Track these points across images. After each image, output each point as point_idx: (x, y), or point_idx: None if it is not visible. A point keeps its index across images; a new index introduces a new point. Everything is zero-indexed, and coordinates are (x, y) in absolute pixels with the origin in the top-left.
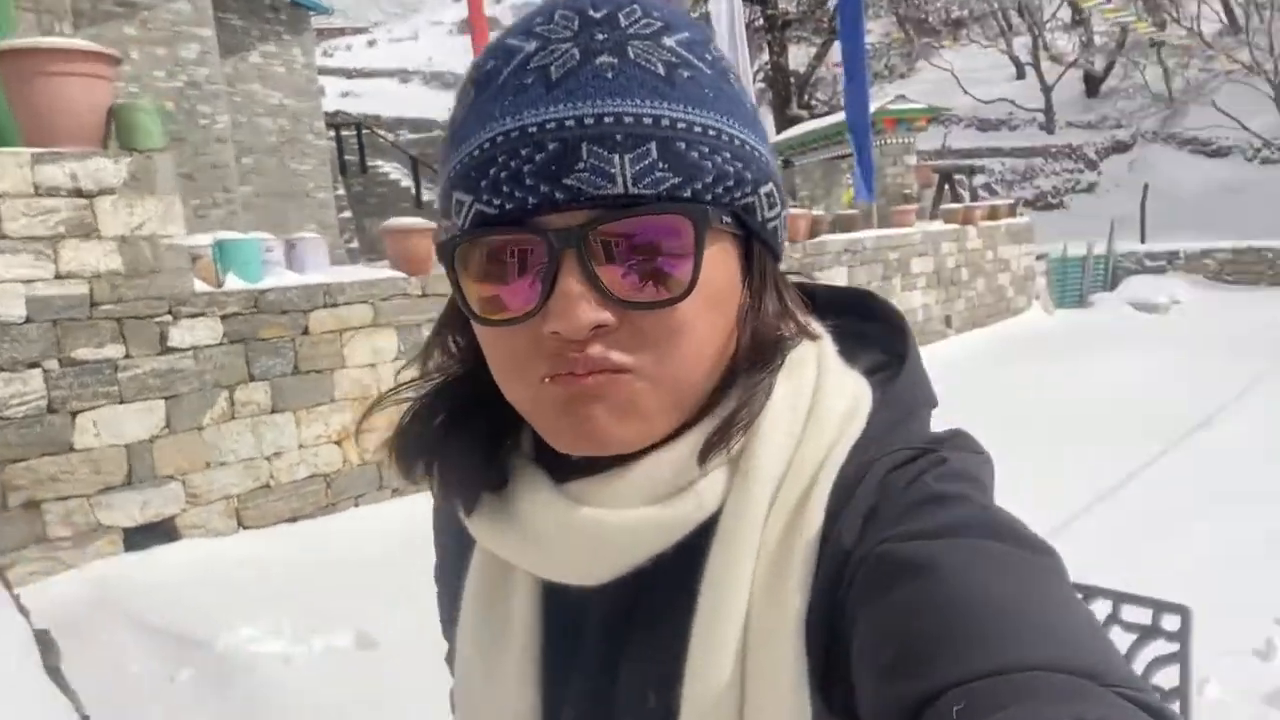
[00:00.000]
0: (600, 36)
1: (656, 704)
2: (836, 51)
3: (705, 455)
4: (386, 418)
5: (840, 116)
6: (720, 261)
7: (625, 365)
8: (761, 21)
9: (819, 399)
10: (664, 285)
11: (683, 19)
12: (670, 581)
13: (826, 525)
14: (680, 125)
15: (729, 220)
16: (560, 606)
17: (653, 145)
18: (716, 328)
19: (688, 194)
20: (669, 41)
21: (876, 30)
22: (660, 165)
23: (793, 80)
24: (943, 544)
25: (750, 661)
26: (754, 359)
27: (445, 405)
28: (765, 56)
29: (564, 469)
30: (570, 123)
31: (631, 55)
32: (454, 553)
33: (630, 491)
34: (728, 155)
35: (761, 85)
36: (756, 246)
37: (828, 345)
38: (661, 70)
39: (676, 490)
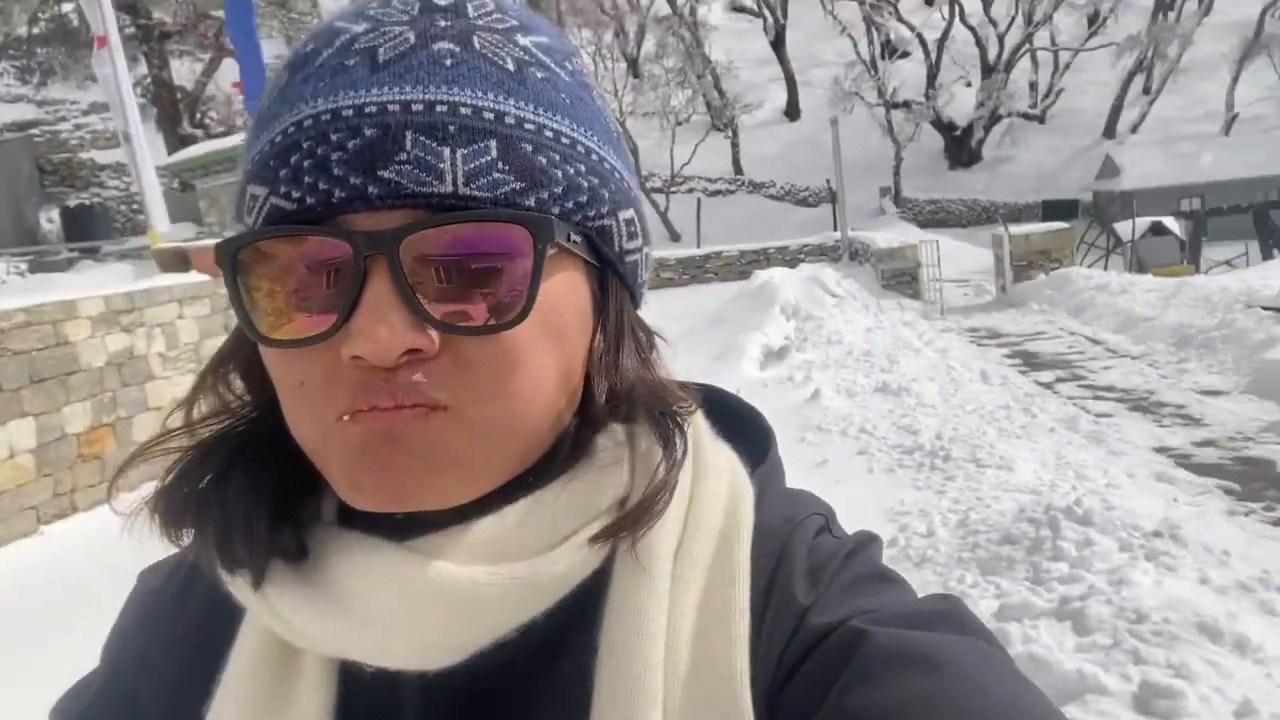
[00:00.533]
0: (442, 23)
1: None
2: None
3: (601, 539)
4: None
5: (242, 138)
6: (567, 288)
7: (442, 401)
8: (134, 30)
9: (700, 455)
10: (495, 307)
11: (544, 25)
12: (538, 659)
13: (761, 580)
14: (529, 125)
15: (579, 240)
16: (364, 705)
17: (492, 143)
18: (557, 366)
19: (530, 202)
20: (523, 40)
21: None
22: (500, 165)
23: (180, 97)
24: (941, 639)
25: None
26: (616, 417)
27: (222, 458)
28: (144, 69)
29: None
30: (394, 107)
31: (477, 45)
32: (182, 659)
33: (484, 549)
34: (582, 168)
35: (143, 100)
36: (613, 281)
37: (699, 415)
38: (511, 66)
39: (545, 549)
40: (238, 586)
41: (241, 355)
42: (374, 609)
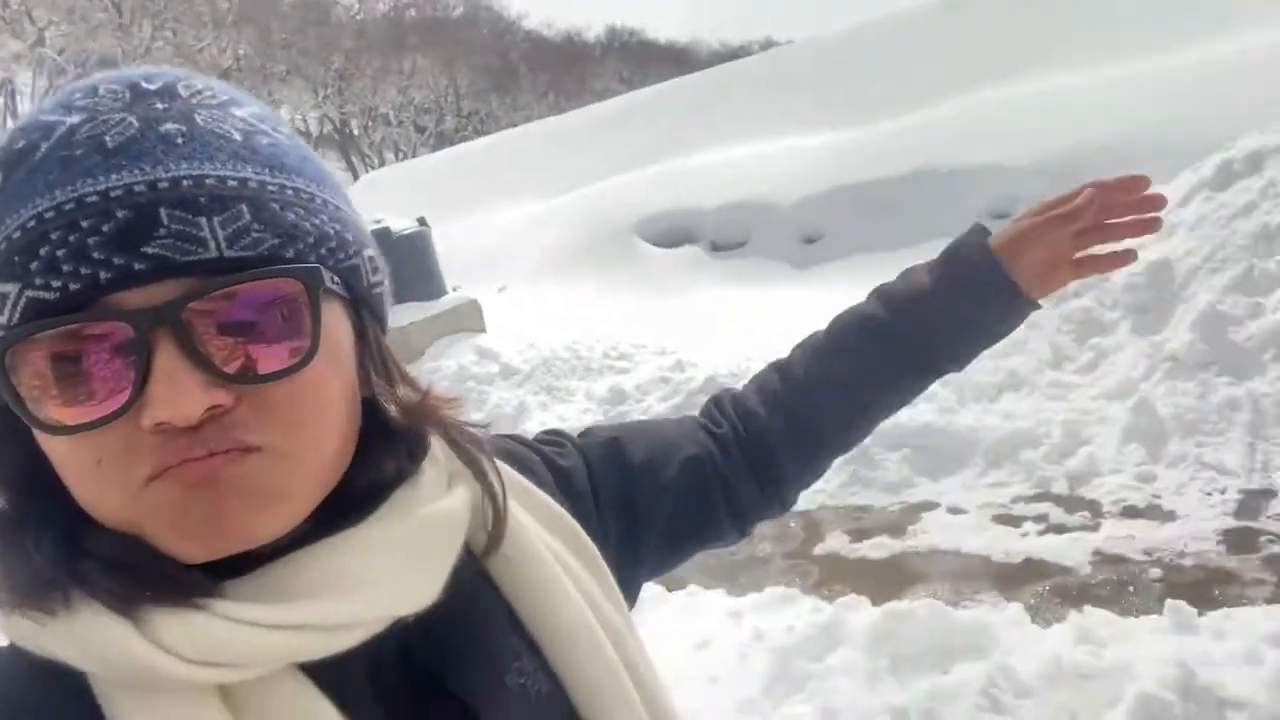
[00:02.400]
0: (160, 106)
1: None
2: None
3: (488, 552)
4: None
5: None
6: (336, 324)
7: (253, 443)
8: None
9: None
10: (282, 352)
11: (247, 96)
12: (462, 606)
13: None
14: (271, 187)
15: (338, 281)
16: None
17: (244, 206)
18: (344, 393)
19: (290, 254)
20: (239, 112)
21: None
22: (256, 226)
23: None
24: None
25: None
26: (395, 434)
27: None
28: None
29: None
30: (141, 188)
31: (200, 122)
32: None
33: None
34: (325, 218)
35: None
36: (366, 314)
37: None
38: (238, 136)
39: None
40: (121, 641)
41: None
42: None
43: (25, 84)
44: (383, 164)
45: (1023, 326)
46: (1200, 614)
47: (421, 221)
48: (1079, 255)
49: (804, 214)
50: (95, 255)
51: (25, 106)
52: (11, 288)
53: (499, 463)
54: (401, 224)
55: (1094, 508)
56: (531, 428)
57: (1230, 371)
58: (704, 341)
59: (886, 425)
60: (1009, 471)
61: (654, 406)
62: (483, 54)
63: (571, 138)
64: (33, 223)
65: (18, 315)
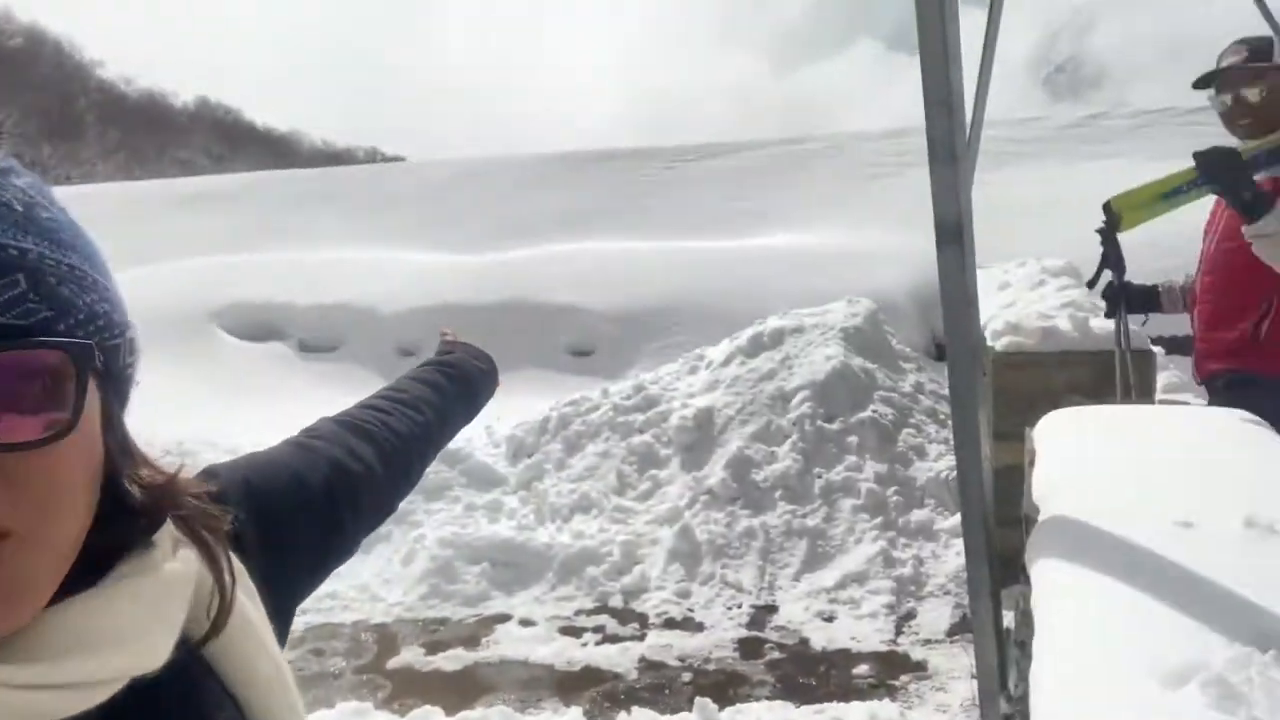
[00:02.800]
0: None
1: None
2: None
3: (203, 645)
4: None
5: None
6: (92, 403)
7: (3, 528)
8: None
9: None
10: (38, 425)
11: (21, 167)
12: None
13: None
14: (49, 261)
15: (101, 360)
16: None
17: (20, 276)
18: (91, 473)
19: (61, 328)
20: (18, 182)
21: None
22: (31, 297)
23: None
24: None
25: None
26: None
27: None
28: None
29: None
30: None
31: None
32: None
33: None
34: (95, 296)
35: None
36: (112, 393)
37: None
38: (19, 207)
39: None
40: None
41: None
42: None
43: None
44: None
45: (595, 455)
46: (720, 709)
47: None
48: None
49: (402, 326)
50: None
51: None
52: None
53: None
54: None
55: (642, 619)
56: None
57: (751, 505)
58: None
59: (470, 539)
60: (575, 586)
61: None
62: (40, 94)
63: (149, 208)
64: None
65: None
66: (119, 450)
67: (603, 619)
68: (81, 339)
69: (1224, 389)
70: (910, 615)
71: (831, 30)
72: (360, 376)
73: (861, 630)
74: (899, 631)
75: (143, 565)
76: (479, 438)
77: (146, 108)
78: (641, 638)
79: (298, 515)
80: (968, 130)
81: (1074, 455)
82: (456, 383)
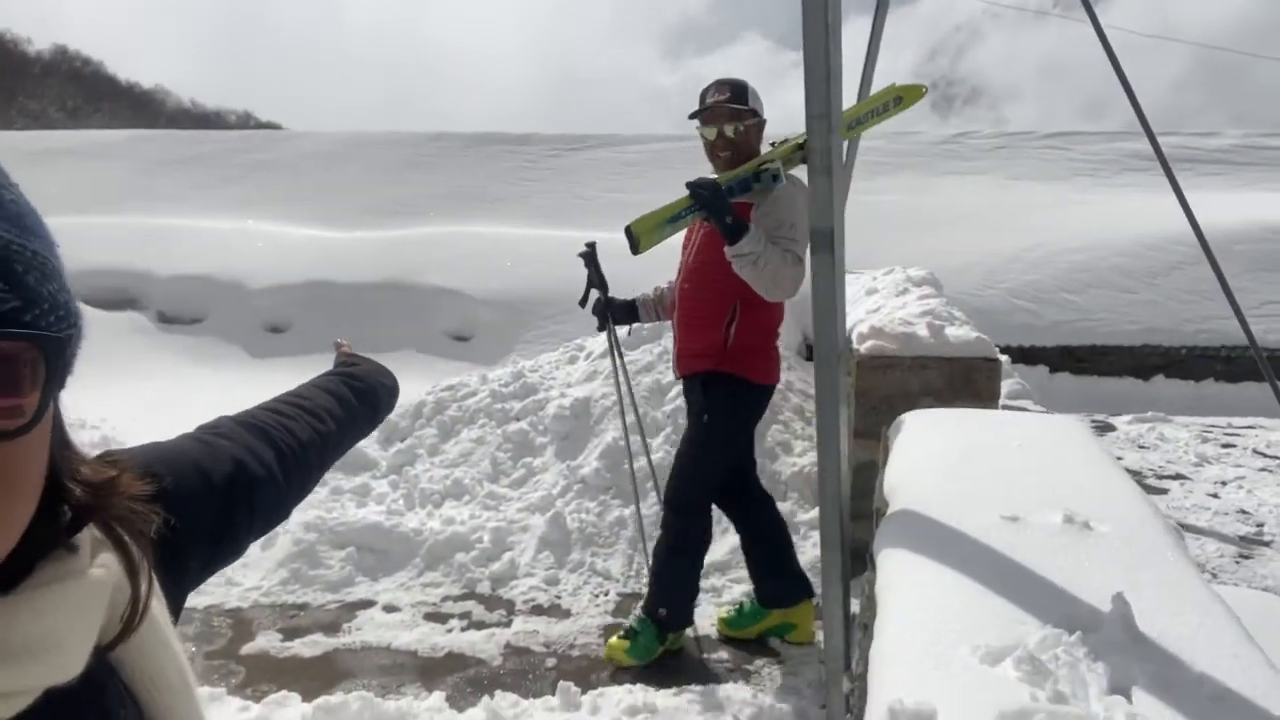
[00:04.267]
0: None
1: None
2: None
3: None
4: None
5: None
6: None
7: None
8: None
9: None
10: (8, 412)
11: None
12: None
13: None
14: (14, 247)
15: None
16: None
17: None
18: (43, 467)
19: (28, 318)
20: None
21: None
22: (1, 287)
23: None
24: None
25: None
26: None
27: None
28: None
29: None
30: None
31: None
32: None
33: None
34: (55, 286)
35: None
36: (57, 387)
37: None
38: None
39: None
40: None
41: None
42: None
43: None
44: None
45: (471, 441)
46: (583, 693)
47: None
48: None
49: (271, 302)
50: None
51: None
52: None
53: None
54: None
55: (509, 606)
56: None
57: (622, 495)
58: (139, 419)
59: (335, 524)
60: (443, 572)
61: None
62: None
63: None
64: None
65: None
66: (59, 445)
67: (469, 605)
68: (46, 329)
69: (700, 387)
70: None
71: (725, 25)
72: (225, 351)
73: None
74: None
75: (66, 570)
76: None
77: None
78: (508, 624)
79: (196, 510)
80: (845, 144)
81: (922, 454)
82: (360, 395)
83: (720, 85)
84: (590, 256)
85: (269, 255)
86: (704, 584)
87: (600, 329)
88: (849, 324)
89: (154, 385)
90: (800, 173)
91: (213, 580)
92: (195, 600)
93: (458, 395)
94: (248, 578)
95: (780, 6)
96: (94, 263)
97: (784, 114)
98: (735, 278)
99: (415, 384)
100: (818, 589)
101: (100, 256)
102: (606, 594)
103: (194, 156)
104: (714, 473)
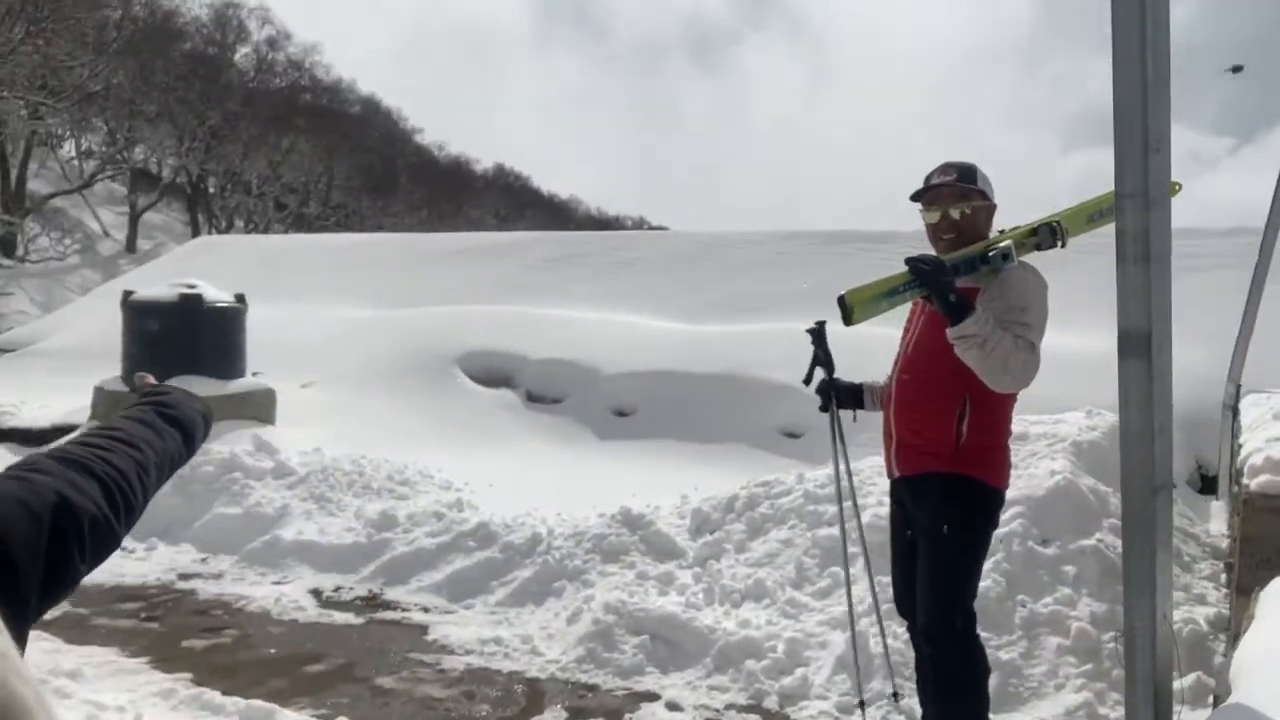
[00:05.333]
0: None
1: None
2: None
3: None
4: None
5: None
6: None
7: None
8: None
9: None
10: None
11: None
12: None
13: None
14: None
15: None
16: None
17: None
18: None
19: None
20: None
21: None
22: None
23: None
24: None
25: None
26: None
27: None
28: None
29: None
30: None
31: None
32: None
33: None
34: None
35: None
36: None
37: None
38: None
39: None
40: None
41: None
42: None
43: None
44: (230, 229)
45: (779, 541)
46: None
47: (239, 298)
48: None
49: (618, 387)
50: None
51: None
52: None
53: None
54: (216, 295)
55: None
56: (287, 534)
57: None
58: (496, 485)
59: (635, 609)
60: (731, 677)
61: (420, 539)
62: (366, 154)
63: (425, 256)
64: None
65: None
66: None
67: (753, 719)
68: None
69: (933, 491)
70: None
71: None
72: (576, 431)
73: None
74: None
75: None
76: (666, 506)
77: (452, 171)
78: None
79: (26, 545)
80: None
81: None
82: (172, 421)
83: (947, 167)
84: (818, 334)
85: (624, 344)
86: None
87: (823, 409)
88: (1244, 452)
89: (513, 456)
90: (1033, 259)
91: (520, 647)
92: (502, 664)
93: (771, 492)
94: (551, 650)
95: (1209, 90)
96: (479, 345)
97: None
98: (962, 369)
99: (736, 476)
100: None
101: (485, 339)
102: None
103: (576, 254)
104: (969, 591)
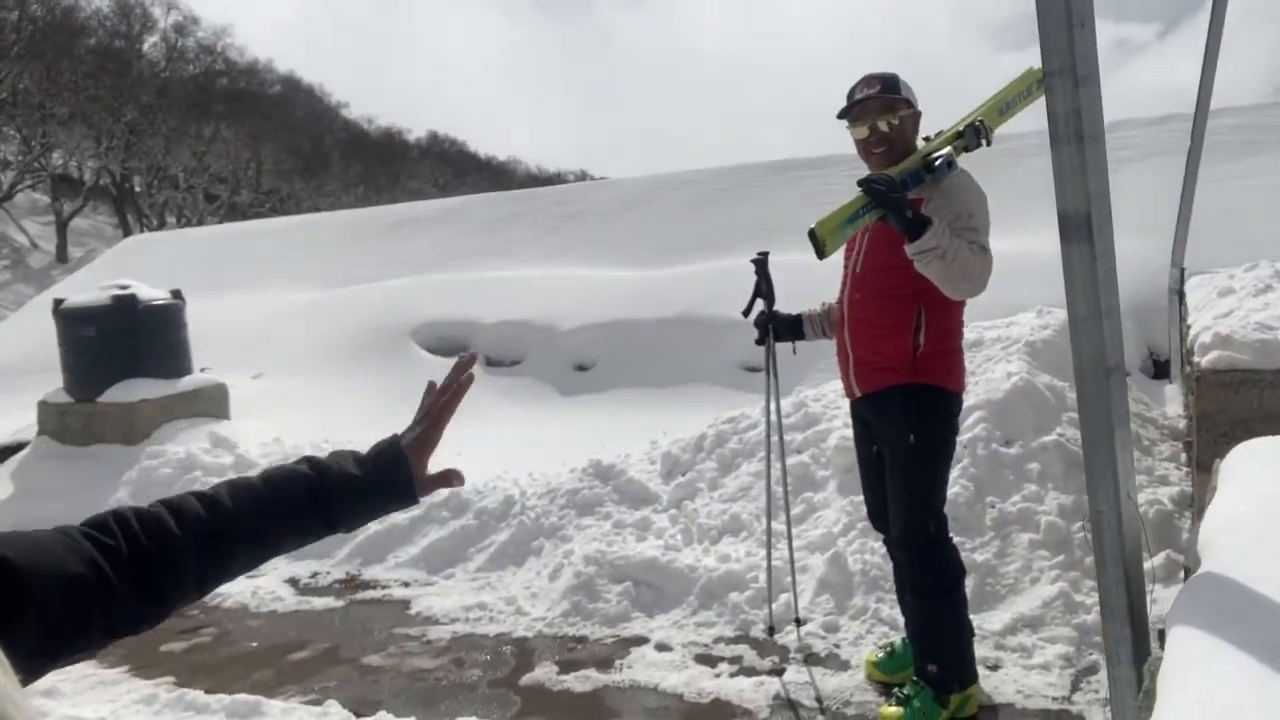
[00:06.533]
0: None
1: None
2: None
3: None
4: None
5: None
6: None
7: None
8: None
9: None
10: None
11: None
12: None
13: None
14: None
15: None
16: None
17: None
18: None
19: None
20: None
21: None
22: None
23: None
24: None
25: None
26: None
27: None
28: None
29: None
30: None
31: None
32: None
33: None
34: None
35: None
36: None
37: None
38: None
39: None
40: None
41: None
42: None
43: None
44: (162, 227)
45: (750, 475)
46: None
47: (175, 294)
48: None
49: (577, 342)
50: None
51: None
52: None
53: None
54: (151, 294)
55: (783, 653)
56: None
57: None
58: (459, 455)
59: (615, 558)
60: (717, 612)
61: (391, 516)
62: (293, 134)
63: (364, 232)
64: None
65: None
66: None
67: (741, 649)
68: None
69: (895, 404)
70: (1091, 670)
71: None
72: (538, 390)
73: (1031, 683)
74: (1075, 688)
75: None
76: (636, 454)
77: (384, 144)
78: (780, 672)
79: (49, 601)
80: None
81: (1255, 498)
82: (310, 493)
83: (869, 80)
84: (761, 265)
85: (577, 298)
86: (1010, 642)
87: (759, 342)
88: (1193, 333)
89: (478, 423)
90: (963, 161)
91: (504, 609)
92: (488, 628)
93: (739, 427)
94: (535, 608)
95: None
96: (431, 314)
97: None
98: (916, 280)
99: (702, 416)
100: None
101: (437, 309)
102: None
103: (517, 213)
104: (939, 496)
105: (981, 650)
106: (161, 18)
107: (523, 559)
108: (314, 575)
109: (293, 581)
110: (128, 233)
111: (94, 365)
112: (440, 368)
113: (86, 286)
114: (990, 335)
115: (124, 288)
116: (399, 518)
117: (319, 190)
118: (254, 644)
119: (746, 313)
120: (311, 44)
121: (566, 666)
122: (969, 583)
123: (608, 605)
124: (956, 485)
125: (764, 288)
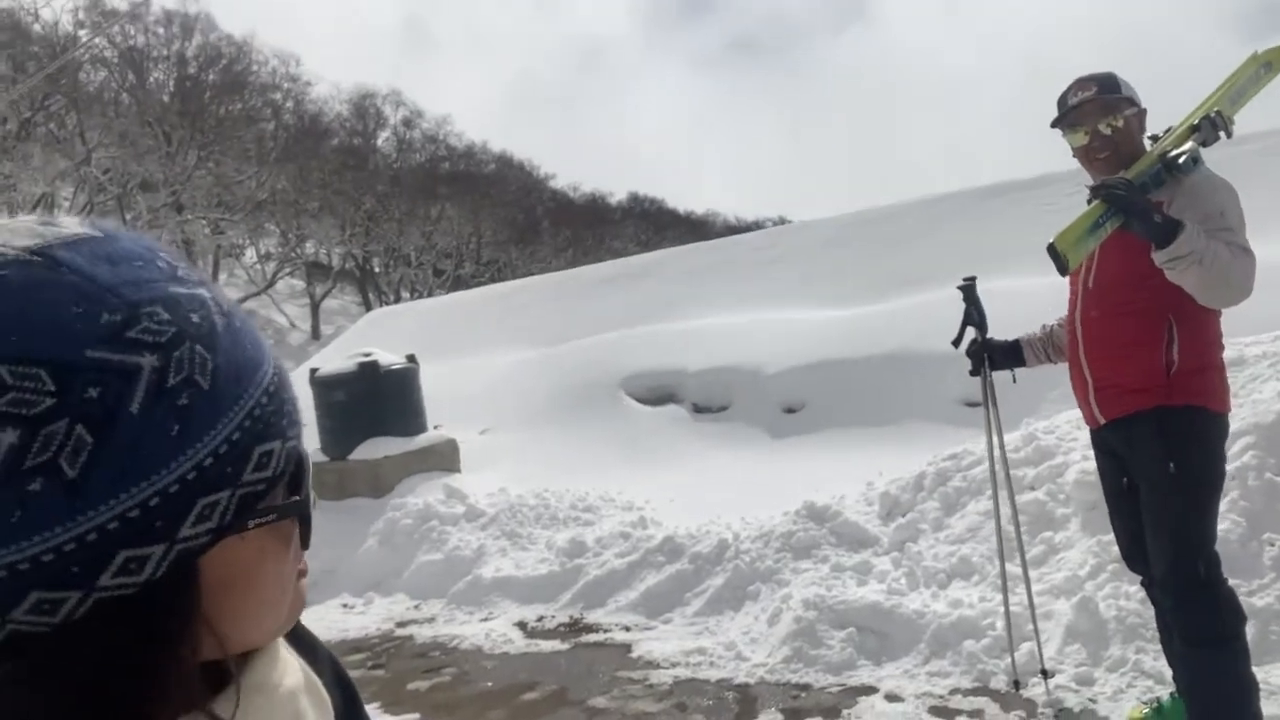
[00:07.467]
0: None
1: None
2: None
3: None
4: None
5: None
6: None
7: None
8: None
9: None
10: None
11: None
12: None
13: None
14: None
15: None
16: None
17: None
18: None
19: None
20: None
21: None
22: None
23: None
24: None
25: None
26: None
27: None
28: None
29: None
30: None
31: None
32: None
33: None
34: None
35: None
36: None
37: None
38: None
39: None
40: None
41: None
42: None
43: (65, 198)
44: (398, 301)
45: (979, 514)
46: None
47: (410, 359)
48: None
49: (784, 385)
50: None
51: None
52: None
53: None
54: (390, 359)
55: (1030, 708)
56: (487, 573)
57: None
58: (672, 501)
59: (835, 602)
60: (951, 661)
61: (611, 561)
62: (508, 208)
63: (573, 290)
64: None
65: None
66: None
67: (981, 702)
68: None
69: (1149, 430)
70: None
71: None
72: (747, 435)
73: None
74: None
75: (267, 677)
76: (852, 495)
77: (589, 208)
78: None
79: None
80: None
81: None
82: None
83: (1083, 82)
84: (969, 291)
85: (781, 341)
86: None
87: (974, 373)
88: None
89: (689, 469)
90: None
91: (724, 654)
92: (708, 673)
93: (961, 464)
94: (755, 653)
95: None
96: (639, 366)
97: None
98: (1162, 291)
99: (919, 455)
100: None
101: (644, 360)
102: (1158, 701)
103: (717, 262)
104: (1209, 534)
105: (1269, 708)
106: (392, 114)
107: (739, 603)
108: (540, 619)
109: (521, 624)
110: (369, 309)
111: (344, 426)
112: (649, 417)
113: (335, 357)
114: (1253, 352)
115: (367, 355)
116: (617, 563)
117: (532, 257)
118: (489, 684)
119: (956, 342)
120: (518, 121)
121: (791, 715)
122: (1249, 630)
123: (830, 652)
124: (1227, 520)
125: (974, 315)
